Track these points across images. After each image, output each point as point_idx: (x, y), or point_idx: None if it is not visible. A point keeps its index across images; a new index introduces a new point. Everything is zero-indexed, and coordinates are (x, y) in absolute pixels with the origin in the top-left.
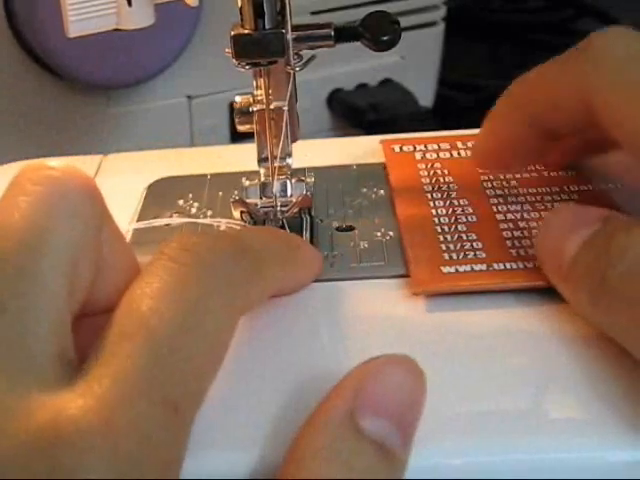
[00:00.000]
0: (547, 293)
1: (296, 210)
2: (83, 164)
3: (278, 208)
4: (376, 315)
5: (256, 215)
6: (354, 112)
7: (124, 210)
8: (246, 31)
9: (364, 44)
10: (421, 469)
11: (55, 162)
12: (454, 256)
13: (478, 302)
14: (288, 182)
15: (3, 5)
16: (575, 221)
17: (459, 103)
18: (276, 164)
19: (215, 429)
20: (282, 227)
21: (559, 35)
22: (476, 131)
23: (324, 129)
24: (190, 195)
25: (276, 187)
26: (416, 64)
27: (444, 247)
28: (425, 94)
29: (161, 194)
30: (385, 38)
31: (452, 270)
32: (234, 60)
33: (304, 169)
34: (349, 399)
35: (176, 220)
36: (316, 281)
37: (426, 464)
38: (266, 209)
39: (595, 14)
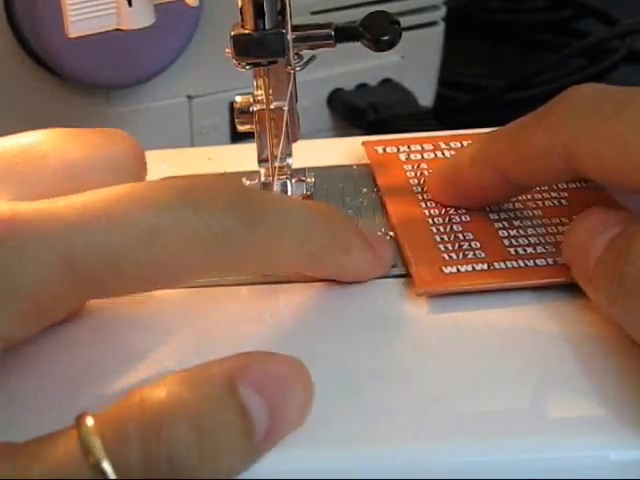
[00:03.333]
0: (550, 291)
1: None
2: None
3: None
4: (381, 316)
5: None
6: (354, 112)
7: None
8: (246, 31)
9: (364, 44)
10: (421, 469)
11: None
12: (453, 256)
13: (481, 302)
14: (288, 182)
15: (3, 5)
16: (601, 224)
17: (459, 103)
18: (276, 164)
19: None
20: None
21: (559, 35)
22: (476, 131)
23: (324, 129)
24: None
25: (276, 187)
26: (416, 64)
27: (442, 247)
28: (425, 94)
29: None
30: (385, 38)
31: (454, 270)
32: (234, 60)
33: (304, 169)
34: (233, 368)
35: None
36: (318, 281)
37: (426, 464)
38: None
39: (595, 14)
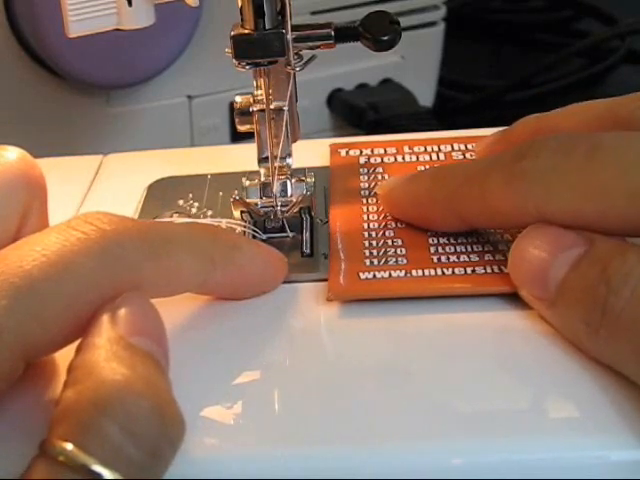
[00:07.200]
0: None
1: (296, 210)
2: (83, 164)
3: (278, 208)
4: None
5: (256, 215)
6: (354, 112)
7: (124, 210)
8: (246, 31)
9: (364, 44)
10: (421, 469)
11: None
12: (375, 262)
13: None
14: (288, 182)
15: (3, 5)
16: (556, 243)
17: (459, 103)
18: (276, 164)
19: None
20: (282, 227)
21: (559, 35)
22: (476, 131)
23: (324, 129)
24: (190, 195)
25: (276, 187)
26: (416, 64)
27: (367, 253)
28: (425, 94)
29: (161, 194)
30: (385, 38)
31: (370, 276)
32: (234, 60)
33: (304, 169)
34: (110, 327)
35: (176, 220)
36: (307, 281)
37: (426, 464)
38: (266, 209)
39: (595, 14)
